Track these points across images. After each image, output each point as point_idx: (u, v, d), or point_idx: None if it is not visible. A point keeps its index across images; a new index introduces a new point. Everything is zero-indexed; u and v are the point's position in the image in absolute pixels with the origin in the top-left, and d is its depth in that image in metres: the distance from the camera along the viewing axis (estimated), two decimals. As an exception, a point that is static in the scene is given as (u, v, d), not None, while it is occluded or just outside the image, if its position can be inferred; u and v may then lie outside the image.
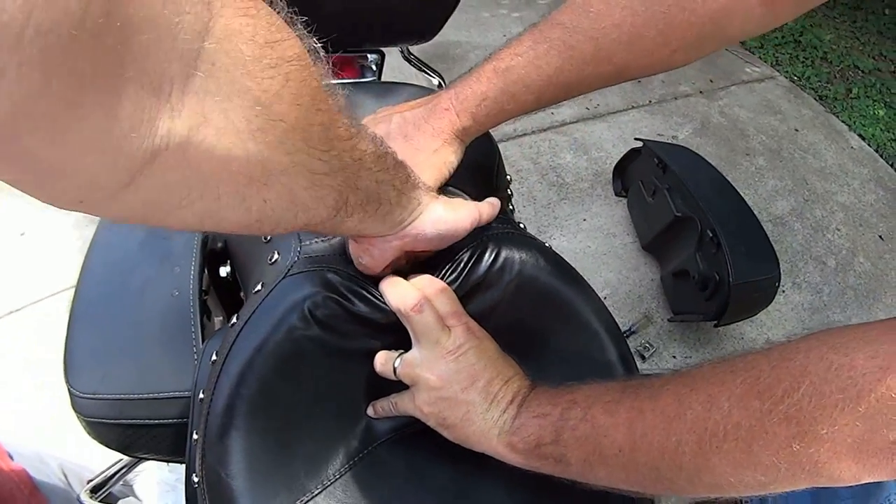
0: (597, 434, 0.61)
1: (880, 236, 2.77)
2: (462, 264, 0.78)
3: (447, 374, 0.71)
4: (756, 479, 0.51)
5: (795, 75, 3.64)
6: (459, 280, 0.78)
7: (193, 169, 0.39)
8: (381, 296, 0.74)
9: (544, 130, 3.02)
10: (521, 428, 0.68)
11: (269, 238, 0.84)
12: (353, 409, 0.78)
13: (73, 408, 0.89)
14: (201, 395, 0.73)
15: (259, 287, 0.76)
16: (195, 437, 0.72)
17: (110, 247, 1.03)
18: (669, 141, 2.98)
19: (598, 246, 2.53)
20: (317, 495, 0.71)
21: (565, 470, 0.65)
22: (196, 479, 0.70)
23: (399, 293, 0.72)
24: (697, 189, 2.06)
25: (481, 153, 0.91)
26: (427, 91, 1.15)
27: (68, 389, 0.89)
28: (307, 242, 0.78)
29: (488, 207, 0.79)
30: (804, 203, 2.87)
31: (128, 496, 1.25)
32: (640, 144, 2.43)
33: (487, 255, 0.79)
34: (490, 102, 0.78)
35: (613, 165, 2.74)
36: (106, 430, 0.89)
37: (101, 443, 0.92)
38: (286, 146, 0.45)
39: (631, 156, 2.57)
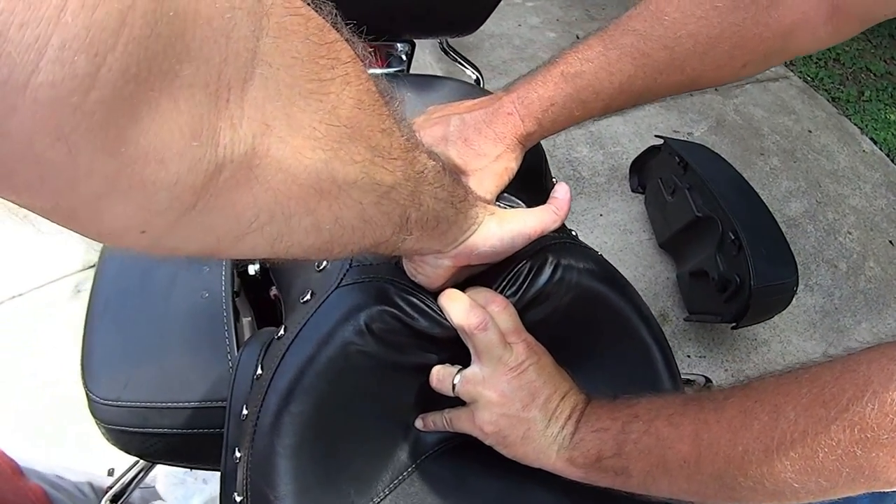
0: (661, 446, 0.62)
1: (890, 241, 2.80)
2: (522, 277, 0.75)
3: (509, 391, 0.70)
4: (818, 485, 0.53)
5: (809, 76, 3.64)
6: (519, 294, 0.74)
7: (261, 183, 0.36)
8: (439, 310, 0.71)
9: (560, 123, 3.01)
10: (581, 443, 0.68)
11: None
12: (401, 423, 0.77)
13: (92, 413, 0.85)
14: (245, 411, 0.71)
15: (308, 296, 0.73)
16: (237, 454, 0.71)
17: None
18: (685, 138, 2.99)
19: (615, 242, 2.54)
20: None
21: (626, 482, 0.66)
22: (239, 499, 0.68)
23: (462, 310, 0.70)
24: (719, 190, 2.07)
25: (530, 154, 0.90)
26: (469, 86, 1.14)
27: (87, 394, 0.85)
28: None
29: (551, 217, 0.74)
30: (817, 205, 2.89)
31: (148, 501, 1.23)
32: (659, 142, 2.44)
33: (547, 267, 0.75)
34: (557, 108, 0.77)
35: (630, 161, 2.74)
36: (127, 437, 0.86)
37: (121, 449, 0.90)
38: (353, 154, 0.42)
39: (650, 153, 2.58)
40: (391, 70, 1.44)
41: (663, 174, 2.40)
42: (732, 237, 1.96)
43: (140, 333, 0.88)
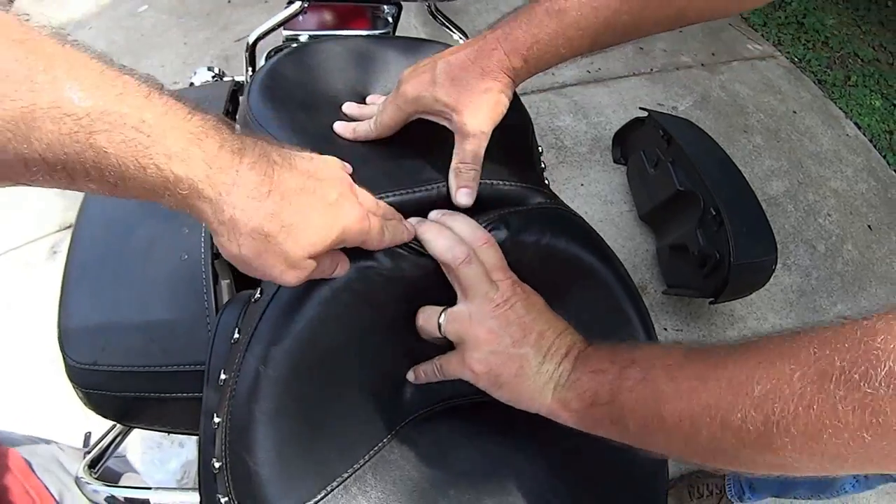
0: (657, 399, 0.58)
1: (869, 226, 2.80)
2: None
3: (497, 327, 0.68)
4: (822, 466, 0.49)
5: (796, 57, 3.62)
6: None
7: None
8: (418, 245, 0.70)
9: (544, 91, 2.98)
10: (577, 383, 0.66)
11: None
12: (381, 387, 0.75)
13: (69, 377, 0.84)
14: (223, 376, 0.70)
15: None
16: (216, 420, 0.69)
17: (106, 201, 0.95)
18: (669, 111, 2.97)
19: (595, 213, 2.52)
20: (346, 479, 0.68)
21: (623, 433, 0.63)
22: (217, 465, 0.67)
23: (445, 244, 0.69)
24: (702, 165, 2.05)
25: (513, 112, 0.87)
26: None
27: (63, 358, 0.84)
28: None
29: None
30: (798, 186, 2.88)
31: (121, 470, 1.20)
32: (643, 114, 2.42)
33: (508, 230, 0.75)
34: (543, 45, 0.74)
35: (613, 131, 2.72)
36: (105, 400, 0.85)
37: (99, 413, 0.89)
38: None
39: (634, 125, 2.55)
40: (377, 32, 1.40)
41: (646, 147, 2.37)
42: (714, 213, 1.94)
43: (118, 296, 0.87)
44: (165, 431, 1.02)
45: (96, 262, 0.90)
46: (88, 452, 1.03)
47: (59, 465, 1.01)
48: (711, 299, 1.98)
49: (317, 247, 0.57)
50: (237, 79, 1.39)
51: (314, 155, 0.62)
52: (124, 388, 0.82)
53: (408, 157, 0.80)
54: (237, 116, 0.96)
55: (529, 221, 0.75)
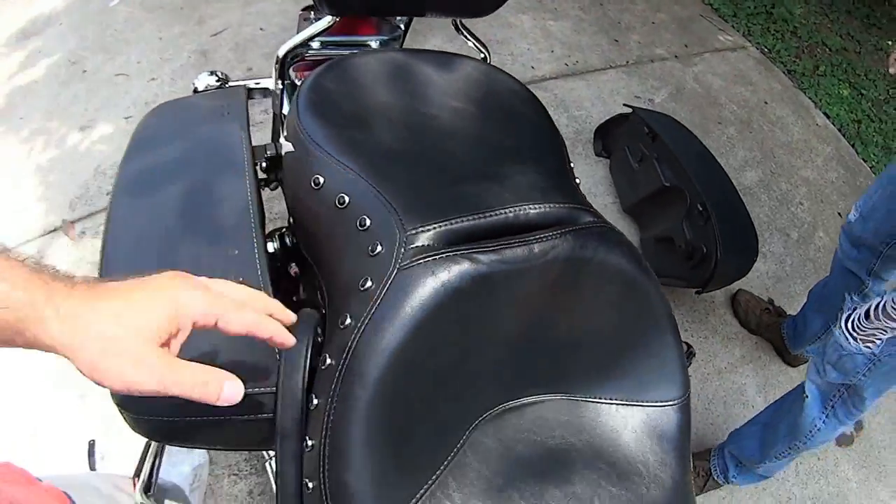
0: None
1: (839, 213, 2.92)
2: None
3: None
4: None
5: (766, 47, 3.73)
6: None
7: None
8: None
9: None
10: None
11: (366, 226, 0.80)
12: (456, 396, 0.81)
13: (117, 404, 0.79)
14: (315, 401, 0.73)
15: (369, 283, 0.74)
16: (310, 442, 0.72)
17: (138, 214, 0.92)
18: (646, 104, 3.05)
19: (580, 205, 2.58)
20: (431, 486, 0.74)
21: None
22: (312, 485, 0.70)
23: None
24: (687, 162, 2.14)
25: (560, 154, 0.96)
26: (486, 66, 1.15)
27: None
28: (411, 231, 0.76)
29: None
30: (771, 175, 2.99)
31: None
32: (624, 109, 2.49)
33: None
34: None
35: (593, 124, 2.79)
36: (157, 425, 0.81)
37: (146, 436, 0.85)
38: None
39: (617, 120, 2.62)
40: (384, 37, 1.46)
41: (630, 143, 2.45)
42: (700, 209, 2.03)
43: None
44: (210, 449, 1.02)
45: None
46: (136, 476, 1.02)
47: (96, 490, 0.97)
48: (698, 290, 2.06)
49: (150, 326, 0.57)
50: (250, 84, 1.41)
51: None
52: (182, 413, 0.79)
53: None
54: (285, 129, 0.98)
55: (585, 239, 0.82)
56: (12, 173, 2.31)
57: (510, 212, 0.81)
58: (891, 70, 1.88)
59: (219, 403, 0.61)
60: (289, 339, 0.68)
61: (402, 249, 0.74)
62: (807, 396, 1.58)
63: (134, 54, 2.81)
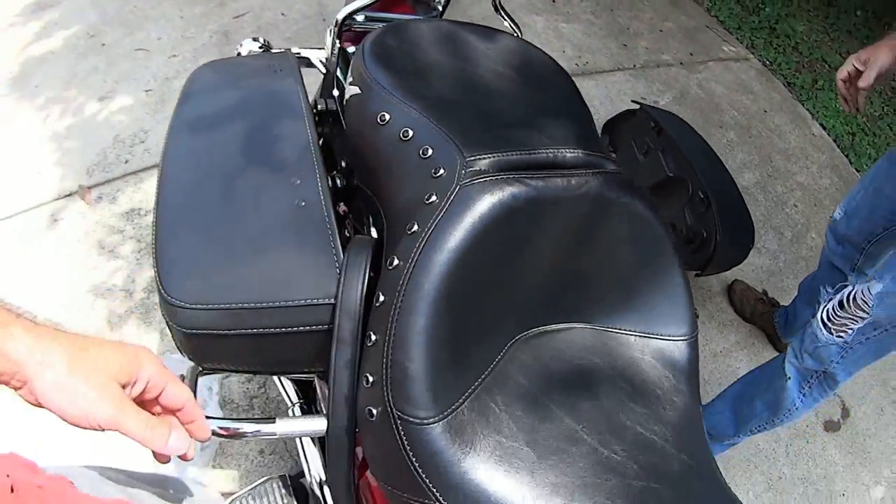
0: None
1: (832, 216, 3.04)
2: None
3: None
4: None
5: (768, 60, 3.87)
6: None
7: None
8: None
9: (537, 81, 3.14)
10: None
11: (429, 154, 0.90)
12: (501, 311, 0.92)
13: (171, 320, 0.83)
14: (381, 298, 0.81)
15: (433, 197, 0.84)
16: (374, 337, 0.81)
17: (196, 151, 0.99)
18: (652, 105, 3.18)
19: (587, 194, 2.70)
20: (477, 388, 0.84)
21: None
22: (372, 378, 0.79)
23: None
24: (690, 153, 2.27)
25: (585, 110, 1.08)
26: (523, 43, 1.27)
27: (167, 301, 0.82)
28: (470, 158, 0.87)
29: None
30: (768, 178, 3.13)
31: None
32: (632, 106, 2.62)
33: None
34: None
35: (601, 121, 2.90)
36: (212, 342, 0.84)
37: (198, 357, 0.90)
38: None
39: (625, 116, 2.74)
40: (419, 17, 1.55)
41: (637, 137, 2.57)
42: (701, 197, 2.16)
43: (230, 239, 0.88)
44: (263, 373, 1.11)
45: (198, 209, 0.92)
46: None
47: (100, 478, 0.89)
48: (697, 272, 2.19)
49: (116, 362, 0.61)
50: (303, 53, 1.50)
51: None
52: (241, 325, 0.83)
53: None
54: (350, 74, 1.08)
55: (610, 182, 0.94)
56: (26, 138, 2.35)
57: (550, 153, 0.93)
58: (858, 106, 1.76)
59: (165, 452, 0.65)
60: (192, 446, 0.69)
61: (463, 172, 0.85)
62: (789, 378, 1.68)
63: (154, 31, 2.86)
